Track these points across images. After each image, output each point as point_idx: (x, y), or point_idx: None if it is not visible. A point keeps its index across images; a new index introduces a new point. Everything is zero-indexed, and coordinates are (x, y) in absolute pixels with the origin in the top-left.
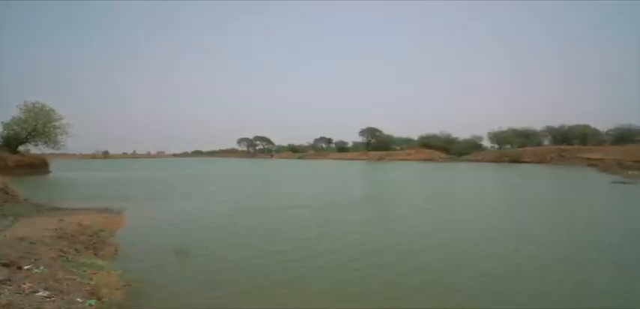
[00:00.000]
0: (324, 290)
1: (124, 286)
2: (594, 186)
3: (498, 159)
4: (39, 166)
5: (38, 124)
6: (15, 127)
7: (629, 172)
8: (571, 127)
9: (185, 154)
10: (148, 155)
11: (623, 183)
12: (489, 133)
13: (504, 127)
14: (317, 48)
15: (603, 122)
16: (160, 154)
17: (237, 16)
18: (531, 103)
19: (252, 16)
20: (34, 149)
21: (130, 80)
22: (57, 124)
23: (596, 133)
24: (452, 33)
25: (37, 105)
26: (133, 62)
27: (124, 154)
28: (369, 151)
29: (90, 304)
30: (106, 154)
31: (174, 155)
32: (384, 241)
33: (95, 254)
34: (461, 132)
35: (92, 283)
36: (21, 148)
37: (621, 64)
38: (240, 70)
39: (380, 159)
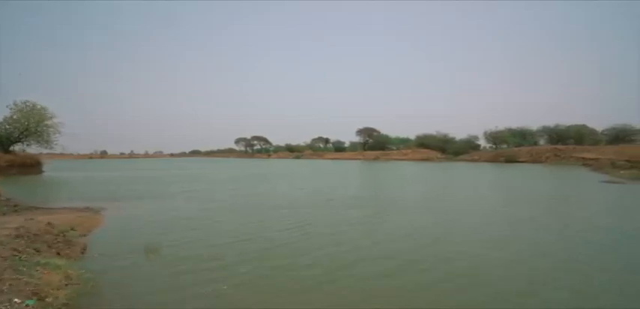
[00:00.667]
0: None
1: (67, 285)
2: (583, 186)
3: (494, 158)
4: (32, 165)
5: (30, 124)
6: (7, 127)
7: (621, 172)
8: (567, 127)
9: (183, 154)
10: (146, 155)
11: (612, 182)
12: (485, 133)
13: (501, 127)
14: (316, 48)
15: (602, 122)
16: (157, 154)
17: (236, 16)
18: (530, 103)
19: (251, 17)
20: (29, 149)
21: (128, 80)
22: (49, 122)
23: (592, 132)
24: (452, 33)
25: (28, 104)
26: (131, 62)
27: (122, 154)
28: (365, 150)
29: (27, 305)
30: (103, 154)
31: (172, 155)
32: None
33: (58, 253)
34: (459, 132)
35: (39, 283)
36: (16, 147)
37: (620, 63)
38: (239, 70)
39: (376, 159)
